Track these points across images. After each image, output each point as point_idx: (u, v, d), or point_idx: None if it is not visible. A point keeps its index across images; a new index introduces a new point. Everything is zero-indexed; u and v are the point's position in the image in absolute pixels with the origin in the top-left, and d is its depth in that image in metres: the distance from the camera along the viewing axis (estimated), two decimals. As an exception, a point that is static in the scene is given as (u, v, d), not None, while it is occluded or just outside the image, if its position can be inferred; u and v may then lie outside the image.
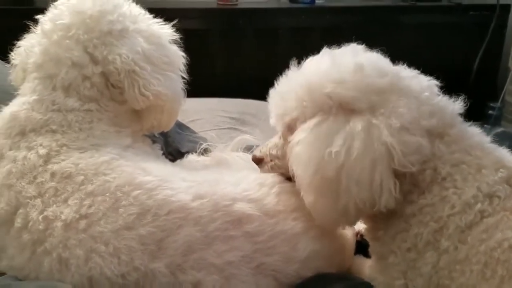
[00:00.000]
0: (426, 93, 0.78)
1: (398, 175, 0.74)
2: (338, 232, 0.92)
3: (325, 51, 0.85)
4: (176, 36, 1.00)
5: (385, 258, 0.79)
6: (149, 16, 0.99)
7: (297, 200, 0.84)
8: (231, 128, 1.69)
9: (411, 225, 0.75)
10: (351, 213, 0.75)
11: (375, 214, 0.79)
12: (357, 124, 0.73)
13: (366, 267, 0.88)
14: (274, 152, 0.92)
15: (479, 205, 0.71)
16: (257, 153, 0.95)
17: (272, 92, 0.88)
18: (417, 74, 0.82)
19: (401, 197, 0.75)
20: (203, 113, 1.73)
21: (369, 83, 0.76)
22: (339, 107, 0.76)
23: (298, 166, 0.78)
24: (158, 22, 0.99)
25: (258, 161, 0.95)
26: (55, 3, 0.95)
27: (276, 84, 0.88)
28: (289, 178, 0.91)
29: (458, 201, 0.72)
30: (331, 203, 0.75)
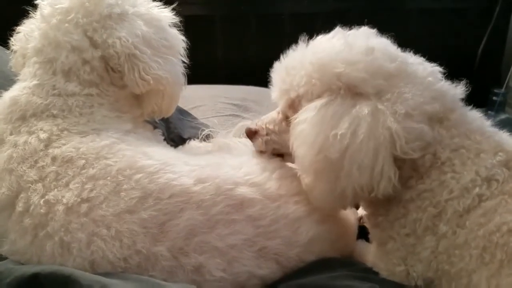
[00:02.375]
0: (430, 78, 0.78)
1: (397, 160, 0.74)
2: (340, 216, 0.92)
3: (337, 30, 0.85)
4: (176, 19, 0.99)
5: (385, 244, 0.79)
6: None
7: (299, 184, 0.84)
8: (233, 115, 1.68)
9: (409, 211, 0.76)
10: (348, 197, 0.75)
11: (374, 200, 0.78)
12: (363, 108, 0.73)
13: (369, 252, 0.88)
14: (271, 126, 0.91)
15: (477, 189, 0.71)
16: (252, 126, 0.94)
17: (277, 65, 0.87)
18: (422, 61, 0.82)
19: (400, 184, 0.75)
20: (205, 99, 1.72)
21: (379, 67, 0.76)
22: (346, 89, 0.75)
23: (301, 145, 0.77)
24: (158, 6, 0.98)
25: (252, 134, 0.94)
26: None
27: (282, 58, 0.87)
28: (280, 155, 0.91)
29: (457, 186, 0.72)
30: (329, 185, 0.75)
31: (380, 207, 0.80)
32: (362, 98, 0.75)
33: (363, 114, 0.72)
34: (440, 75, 0.81)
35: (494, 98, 2.36)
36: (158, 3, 0.99)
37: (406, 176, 0.77)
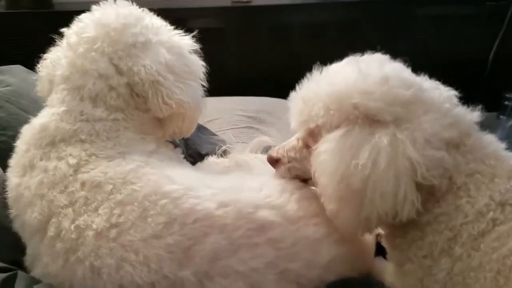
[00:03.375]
0: (447, 105, 0.79)
1: (416, 185, 0.76)
2: (358, 236, 0.94)
3: (350, 59, 0.87)
4: (196, 46, 1.02)
5: (402, 265, 0.81)
6: (170, 27, 1.02)
7: (318, 205, 0.86)
8: (248, 127, 1.71)
9: (426, 234, 0.77)
10: (373, 222, 0.77)
11: (393, 223, 0.80)
12: (382, 138, 0.74)
13: (387, 271, 0.90)
14: (292, 154, 0.93)
15: (491, 214, 0.73)
16: (274, 153, 0.96)
17: (294, 96, 0.89)
18: (438, 85, 0.84)
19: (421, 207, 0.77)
20: (220, 112, 1.75)
21: (395, 95, 0.77)
22: (364, 118, 0.77)
23: (323, 174, 0.79)
24: (179, 33, 1.02)
25: (275, 162, 0.96)
26: (79, 17, 0.98)
27: (298, 88, 0.89)
28: (304, 180, 0.93)
29: (471, 210, 0.74)
30: (353, 212, 0.77)
31: (398, 229, 0.82)
32: (380, 125, 0.76)
33: (383, 144, 0.74)
34: (456, 100, 0.82)
35: (506, 102, 2.35)
36: (179, 31, 1.02)
37: (423, 200, 0.78)
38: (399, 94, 0.78)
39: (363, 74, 0.81)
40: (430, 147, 0.74)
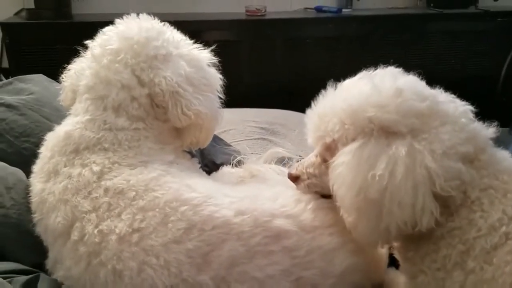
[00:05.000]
0: (463, 119, 0.80)
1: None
2: (378, 247, 0.95)
3: (363, 74, 0.88)
4: (214, 59, 1.05)
5: (415, 278, 0.82)
6: (189, 41, 1.05)
7: (333, 215, 0.88)
8: (261, 138, 1.73)
9: (440, 247, 0.79)
10: (392, 233, 0.78)
11: (410, 236, 0.81)
12: (400, 149, 0.76)
13: (398, 282, 0.91)
14: (311, 170, 0.94)
15: (504, 228, 0.74)
16: (293, 171, 0.98)
17: (309, 112, 0.91)
18: (453, 98, 0.85)
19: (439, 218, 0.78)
20: (234, 123, 1.78)
21: (409, 107, 0.79)
22: (380, 130, 0.79)
23: (341, 187, 0.81)
24: (198, 47, 1.05)
25: (295, 179, 0.98)
26: (103, 30, 1.02)
27: (313, 105, 0.91)
28: (324, 196, 0.94)
29: (485, 224, 0.75)
30: (373, 223, 0.78)
31: (410, 243, 0.83)
32: (397, 137, 0.77)
33: (400, 154, 0.75)
34: (471, 115, 0.83)
35: (518, 118, 2.36)
36: (198, 45, 1.06)
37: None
38: (414, 106, 0.79)
39: (376, 87, 0.82)
40: (447, 158, 0.75)
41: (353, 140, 0.81)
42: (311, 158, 0.95)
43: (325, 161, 0.89)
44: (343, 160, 0.80)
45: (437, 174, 0.74)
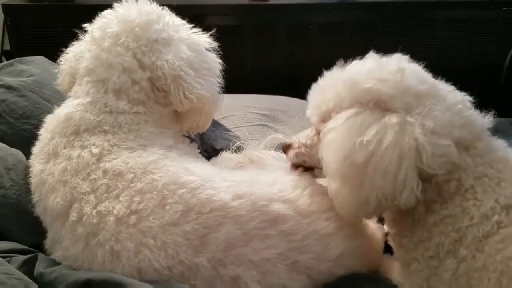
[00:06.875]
0: (460, 106, 0.81)
1: (424, 181, 0.78)
2: (368, 233, 0.96)
3: (370, 54, 0.89)
4: (214, 44, 1.05)
5: (409, 265, 0.83)
6: (188, 25, 1.05)
7: (329, 201, 0.88)
8: (262, 125, 1.73)
9: (433, 235, 0.79)
10: (371, 205, 0.78)
11: (399, 220, 0.82)
12: (392, 118, 0.76)
13: (393, 269, 0.92)
14: (303, 140, 0.96)
15: (496, 217, 0.75)
16: (288, 140, 1.00)
17: (314, 86, 0.92)
18: (453, 89, 0.85)
19: (424, 207, 0.79)
20: (235, 109, 1.78)
21: (408, 86, 0.80)
22: (375, 103, 0.79)
23: (329, 152, 0.81)
24: (197, 32, 1.05)
25: (287, 147, 0.99)
26: (102, 13, 1.01)
27: (319, 79, 0.92)
28: (308, 168, 0.96)
29: (477, 213, 0.76)
30: (354, 192, 0.78)
31: (405, 229, 0.84)
32: (391, 112, 0.78)
33: (391, 123, 0.76)
34: (469, 104, 0.83)
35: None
36: (197, 29, 1.06)
37: (431, 200, 0.80)
38: (413, 86, 0.80)
39: (380, 65, 0.83)
40: (438, 135, 0.76)
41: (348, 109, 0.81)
42: (308, 130, 0.97)
43: (319, 132, 0.90)
44: (334, 125, 0.81)
45: (425, 148, 0.75)
